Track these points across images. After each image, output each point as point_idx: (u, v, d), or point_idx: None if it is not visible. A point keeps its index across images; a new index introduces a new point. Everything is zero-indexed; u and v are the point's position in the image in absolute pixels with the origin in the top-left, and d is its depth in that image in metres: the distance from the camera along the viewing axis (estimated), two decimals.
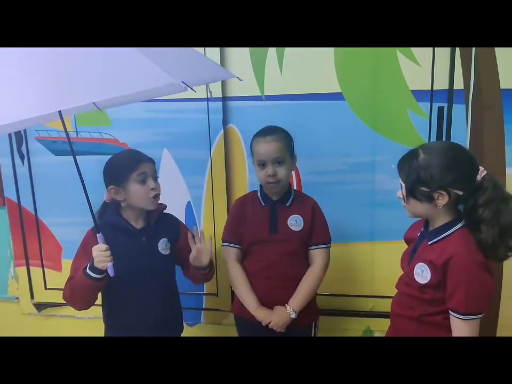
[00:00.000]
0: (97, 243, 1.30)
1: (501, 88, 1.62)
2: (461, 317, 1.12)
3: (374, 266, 1.89)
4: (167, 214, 1.56)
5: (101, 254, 1.28)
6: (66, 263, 2.16)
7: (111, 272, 1.29)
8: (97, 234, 1.30)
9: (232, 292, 2.01)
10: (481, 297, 1.13)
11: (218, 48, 1.77)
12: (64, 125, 1.25)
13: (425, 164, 1.13)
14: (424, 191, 1.14)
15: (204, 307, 2.07)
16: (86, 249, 1.39)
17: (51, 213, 2.10)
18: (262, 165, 1.48)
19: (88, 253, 1.34)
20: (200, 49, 1.76)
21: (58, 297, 2.20)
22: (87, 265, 1.33)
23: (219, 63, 1.76)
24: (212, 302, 2.06)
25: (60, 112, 1.19)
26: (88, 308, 1.43)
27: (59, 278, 2.15)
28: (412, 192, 1.16)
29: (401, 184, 1.20)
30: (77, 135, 1.98)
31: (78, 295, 1.39)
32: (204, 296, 2.06)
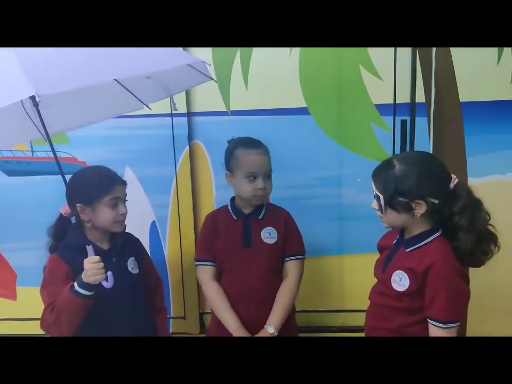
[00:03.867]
0: (64, 267, 1.27)
1: (460, 101, 1.68)
2: (441, 325, 1.12)
3: (343, 280, 1.88)
4: (127, 232, 1.50)
5: (94, 266, 1.19)
6: (22, 291, 2.03)
7: (110, 283, 1.21)
8: (87, 247, 1.22)
9: (200, 314, 1.94)
10: (460, 305, 1.14)
11: None
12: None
13: (401, 174, 1.13)
14: (402, 201, 1.14)
15: (171, 331, 1.99)
16: (55, 274, 1.32)
17: (4, 238, 1.96)
18: (253, 177, 1.43)
19: (58, 277, 1.29)
20: None
21: (12, 328, 2.06)
22: (72, 284, 1.24)
23: None
24: (179, 325, 1.97)
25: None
26: (72, 334, 1.30)
27: (14, 307, 2.00)
28: (389, 203, 1.16)
29: (376, 195, 1.19)
30: (33, 155, 1.88)
31: (64, 319, 1.27)
32: (171, 320, 1.98)
